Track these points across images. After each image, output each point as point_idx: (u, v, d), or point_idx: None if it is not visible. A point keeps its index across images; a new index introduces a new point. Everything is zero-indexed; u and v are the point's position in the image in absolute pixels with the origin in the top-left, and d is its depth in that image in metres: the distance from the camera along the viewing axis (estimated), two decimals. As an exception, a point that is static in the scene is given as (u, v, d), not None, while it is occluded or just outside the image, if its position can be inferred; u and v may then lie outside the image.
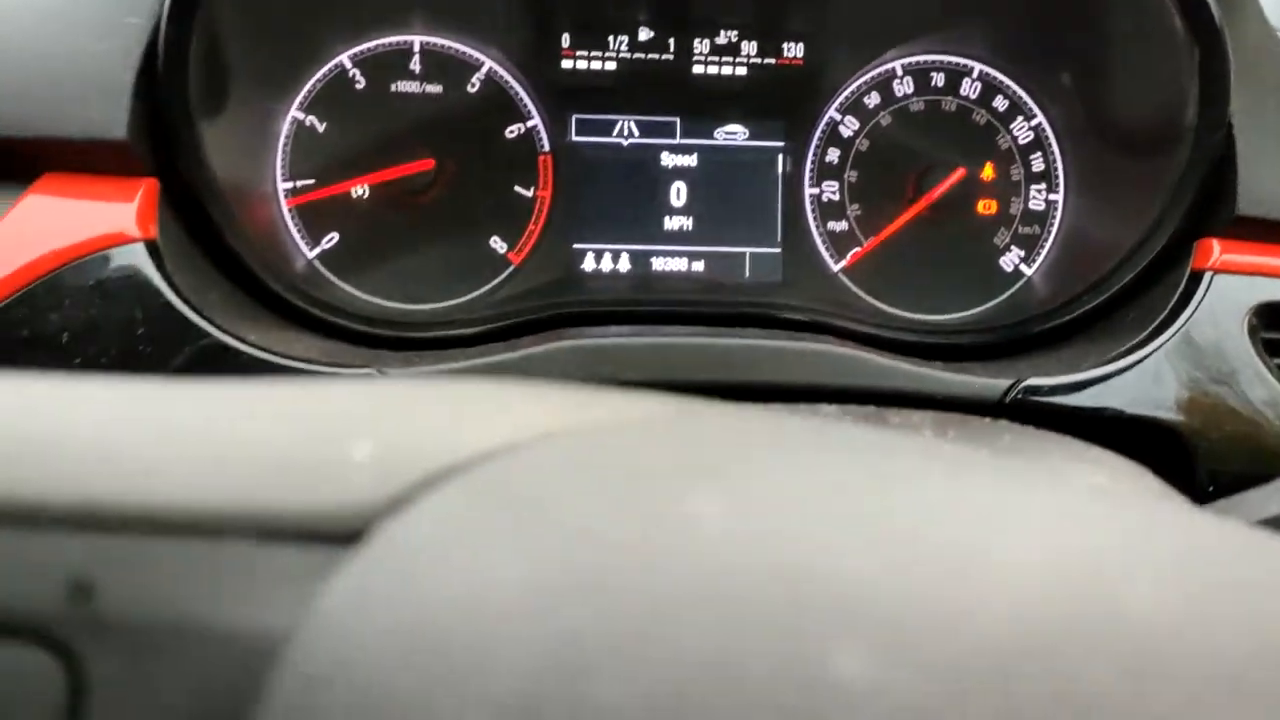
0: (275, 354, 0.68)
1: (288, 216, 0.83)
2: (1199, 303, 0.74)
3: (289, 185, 0.83)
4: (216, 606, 0.22)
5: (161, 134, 0.71)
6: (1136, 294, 0.80)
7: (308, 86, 0.83)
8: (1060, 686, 0.20)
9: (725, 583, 0.22)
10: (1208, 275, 0.75)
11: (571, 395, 0.31)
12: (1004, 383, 0.72)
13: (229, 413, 0.26)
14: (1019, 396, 0.72)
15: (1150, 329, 0.75)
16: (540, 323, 0.79)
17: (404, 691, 0.21)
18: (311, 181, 0.83)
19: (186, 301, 0.67)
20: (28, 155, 0.69)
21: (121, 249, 0.68)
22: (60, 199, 0.69)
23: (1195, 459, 0.70)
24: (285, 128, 0.83)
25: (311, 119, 0.83)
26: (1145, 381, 0.73)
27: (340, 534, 0.23)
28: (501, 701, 0.20)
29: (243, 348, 0.67)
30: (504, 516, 0.24)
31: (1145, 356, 0.73)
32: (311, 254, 0.84)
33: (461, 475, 0.25)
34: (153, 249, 0.68)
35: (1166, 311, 0.75)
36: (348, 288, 0.84)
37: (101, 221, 0.68)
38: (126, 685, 0.21)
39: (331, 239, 0.84)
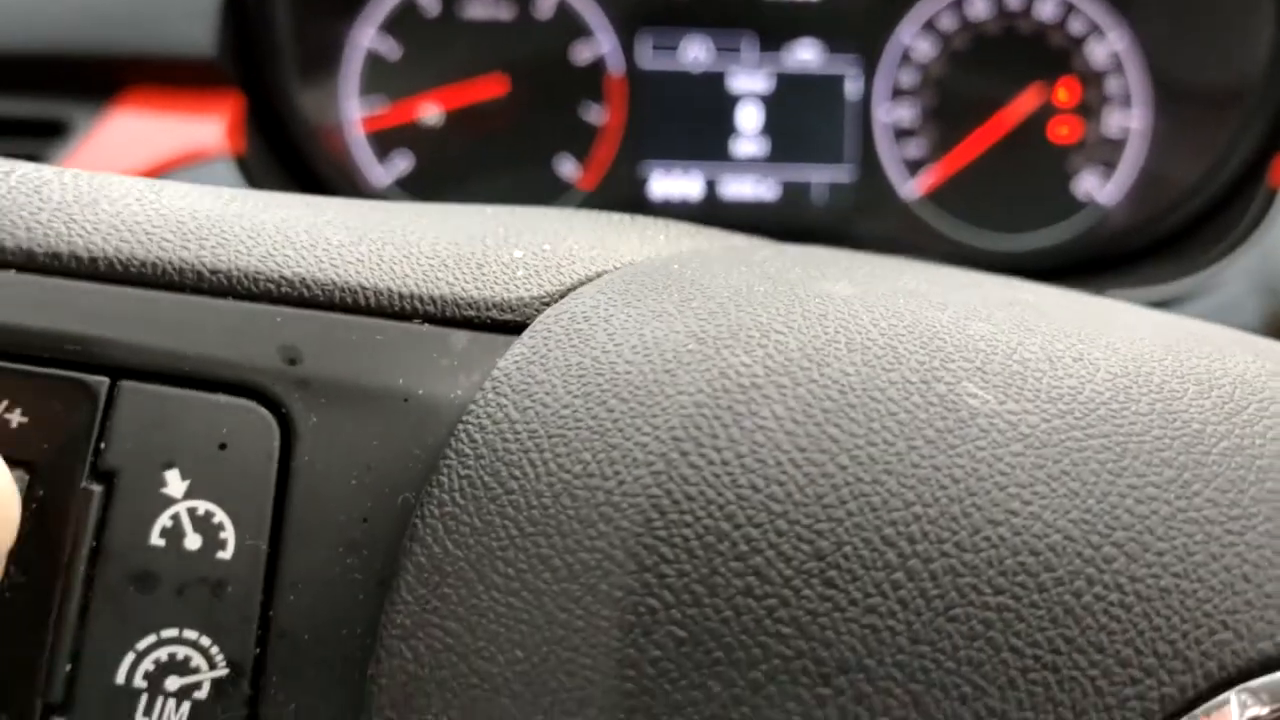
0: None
1: (362, 141, 0.84)
2: (1275, 220, 0.74)
3: (364, 110, 0.84)
4: (404, 376, 0.24)
5: (246, 52, 0.72)
6: (1213, 214, 0.80)
7: (380, 11, 0.84)
8: (1167, 417, 0.22)
9: (866, 333, 0.24)
10: (1284, 193, 0.75)
11: (701, 229, 0.33)
12: (1082, 298, 0.72)
13: (402, 221, 0.27)
14: (1097, 313, 0.72)
15: (1226, 247, 0.75)
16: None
17: (585, 425, 0.22)
18: (385, 107, 0.84)
19: (274, 215, 0.69)
20: (109, 71, 0.71)
21: (211, 164, 0.69)
22: (148, 114, 0.70)
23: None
24: (359, 53, 0.84)
25: (383, 44, 0.84)
26: (1223, 299, 0.73)
27: (507, 322, 0.25)
28: (674, 424, 0.22)
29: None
30: (667, 290, 0.25)
31: (1222, 274, 0.73)
32: (387, 179, 0.85)
33: (615, 271, 0.26)
34: (242, 165, 0.69)
35: (1242, 229, 0.75)
36: (423, 211, 0.85)
37: (191, 137, 0.70)
38: (329, 436, 0.23)
39: (405, 165, 0.85)
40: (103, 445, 0.22)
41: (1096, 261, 0.81)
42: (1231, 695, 0.19)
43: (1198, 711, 0.19)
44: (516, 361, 0.24)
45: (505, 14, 0.85)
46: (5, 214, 0.24)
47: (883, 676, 0.19)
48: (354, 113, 0.84)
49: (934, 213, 0.87)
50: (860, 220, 0.86)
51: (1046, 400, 0.22)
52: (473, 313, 0.25)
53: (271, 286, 0.24)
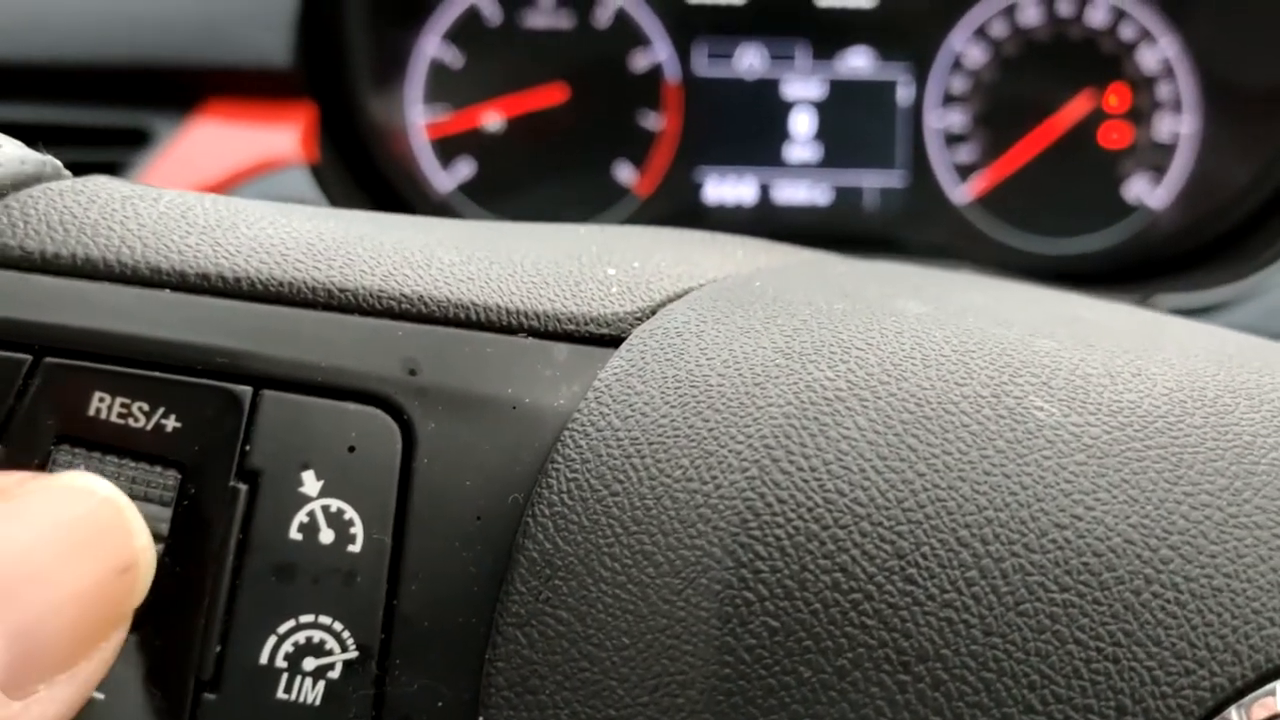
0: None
1: (427, 147, 0.87)
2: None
3: (428, 117, 0.87)
4: (512, 386, 0.26)
5: (319, 62, 0.75)
6: (1263, 219, 0.81)
7: (444, 21, 0.87)
8: (1219, 430, 0.24)
9: (939, 349, 0.26)
10: (1338, 199, 0.75)
11: (776, 246, 0.35)
12: (1132, 301, 0.73)
13: (504, 242, 0.30)
14: (1147, 317, 0.73)
15: (1276, 252, 0.76)
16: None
17: (682, 434, 0.25)
18: (449, 114, 0.87)
19: (346, 220, 0.71)
20: (193, 81, 0.74)
21: (286, 172, 0.72)
22: (226, 123, 0.73)
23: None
24: (424, 61, 0.87)
25: (447, 53, 0.87)
26: (1273, 303, 0.74)
27: (604, 336, 0.28)
28: (765, 434, 0.24)
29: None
30: (752, 307, 0.28)
31: (1272, 278, 0.74)
32: (450, 185, 0.87)
33: (703, 288, 0.29)
34: (316, 173, 0.72)
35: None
36: (486, 215, 0.87)
37: (266, 146, 0.72)
38: (444, 441, 0.26)
39: (468, 171, 0.87)
40: (247, 448, 0.25)
41: (1147, 266, 0.83)
42: (1277, 685, 0.21)
43: (1245, 700, 0.21)
44: (616, 374, 0.26)
45: (565, 23, 0.87)
46: (159, 237, 0.26)
47: (958, 665, 0.21)
48: (418, 120, 0.86)
49: (985, 217, 0.88)
50: (912, 225, 0.88)
51: (1108, 413, 0.24)
52: (573, 327, 0.27)
53: (393, 304, 0.26)
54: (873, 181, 0.89)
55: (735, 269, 0.32)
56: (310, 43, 0.74)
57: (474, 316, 0.27)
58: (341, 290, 0.26)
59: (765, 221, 0.88)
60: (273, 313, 0.26)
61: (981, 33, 0.87)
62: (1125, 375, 0.25)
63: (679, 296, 0.29)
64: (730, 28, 0.87)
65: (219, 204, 0.28)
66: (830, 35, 0.87)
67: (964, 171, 0.88)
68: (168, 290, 0.25)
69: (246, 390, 0.25)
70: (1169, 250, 0.83)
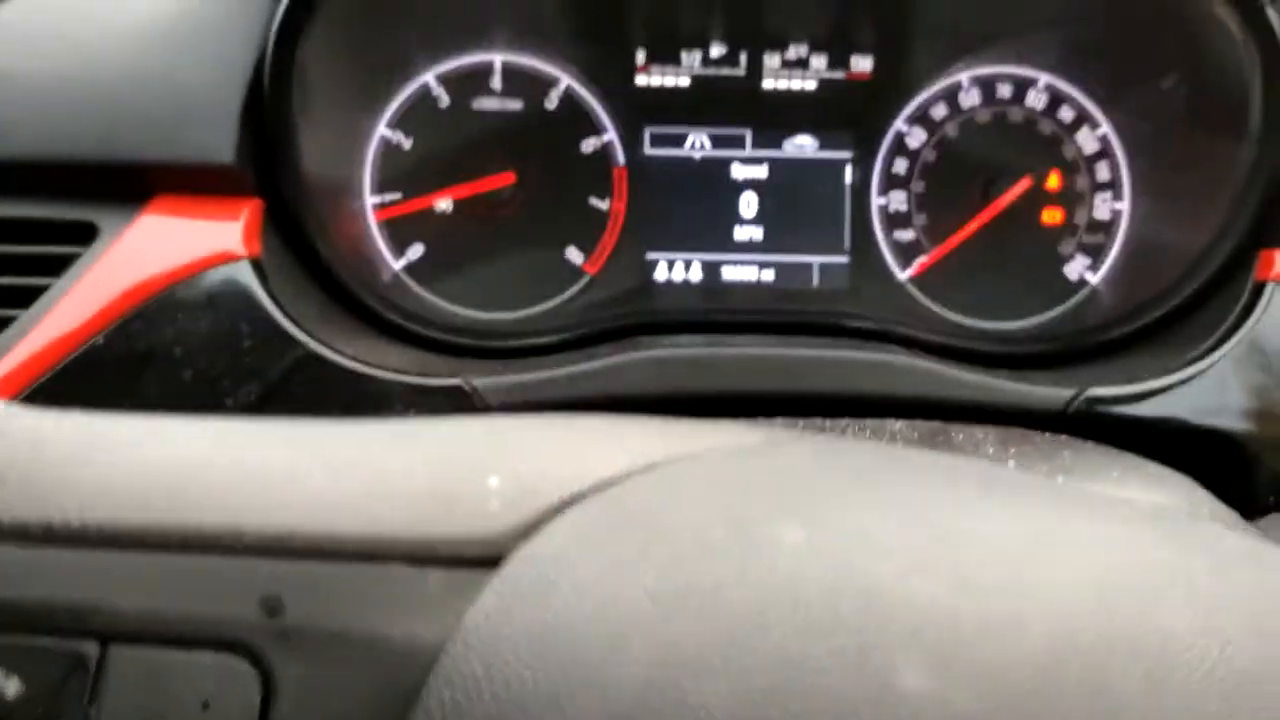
0: (367, 364, 0.72)
1: (376, 230, 0.88)
2: (1262, 313, 0.76)
3: (377, 200, 0.87)
4: (382, 621, 0.26)
5: (264, 156, 0.75)
6: (1200, 304, 0.81)
7: (395, 105, 0.87)
8: (1093, 693, 0.24)
9: (808, 590, 0.26)
10: (1270, 286, 0.76)
11: (670, 428, 0.35)
12: (1067, 393, 0.74)
13: (380, 451, 0.30)
14: (1082, 406, 0.74)
15: (1213, 339, 0.76)
16: (615, 331, 0.83)
17: (543, 693, 0.24)
18: (398, 196, 0.88)
19: (287, 315, 0.72)
20: (141, 177, 0.74)
21: (229, 266, 0.72)
22: (173, 219, 0.74)
23: (1257, 470, 0.72)
24: (374, 145, 0.87)
25: (398, 136, 0.87)
26: (1208, 391, 0.74)
27: (482, 558, 0.27)
28: (623, 697, 0.24)
29: (338, 359, 0.72)
30: (632, 533, 0.28)
31: (1208, 366, 0.75)
32: (398, 265, 0.88)
33: (585, 503, 0.29)
34: (257, 266, 0.73)
35: (1230, 322, 0.77)
36: (432, 298, 0.88)
37: (210, 240, 0.73)
38: (308, 688, 0.25)
39: (417, 251, 0.88)
40: (93, 711, 0.24)
41: (1083, 346, 0.83)
42: None
43: None
44: (486, 613, 0.26)
45: (514, 105, 0.88)
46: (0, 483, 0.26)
47: None
48: (367, 204, 0.87)
49: (928, 295, 0.89)
50: (855, 303, 0.88)
51: (978, 677, 0.24)
52: (448, 551, 0.27)
53: (254, 541, 0.26)
54: (818, 260, 0.90)
55: (630, 465, 0.31)
56: (254, 137, 0.75)
57: (343, 549, 0.27)
58: (198, 531, 0.26)
59: (713, 300, 0.89)
60: (121, 560, 0.25)
61: (924, 115, 0.89)
62: (1000, 625, 0.25)
63: (565, 504, 0.29)
64: (678, 111, 0.88)
65: (78, 427, 0.28)
66: (776, 119, 0.88)
67: (907, 250, 0.90)
68: (12, 544, 0.25)
69: (93, 647, 0.25)
70: (1108, 331, 0.84)
